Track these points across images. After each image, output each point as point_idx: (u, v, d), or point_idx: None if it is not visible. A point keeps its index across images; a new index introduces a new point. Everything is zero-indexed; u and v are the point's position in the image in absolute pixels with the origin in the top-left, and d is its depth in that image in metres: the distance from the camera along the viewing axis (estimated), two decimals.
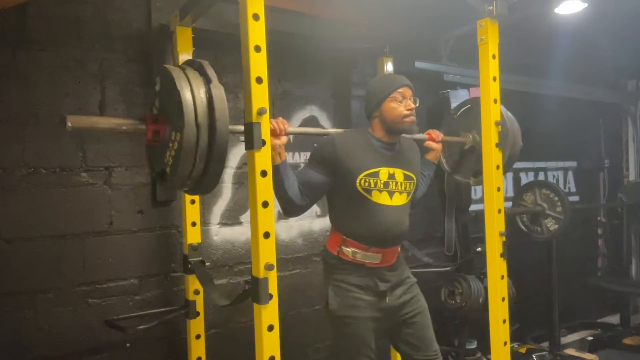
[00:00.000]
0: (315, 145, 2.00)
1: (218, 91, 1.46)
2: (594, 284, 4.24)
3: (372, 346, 1.94)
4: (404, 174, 2.00)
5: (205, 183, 1.52)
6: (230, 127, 1.52)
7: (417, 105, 2.00)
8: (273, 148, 1.68)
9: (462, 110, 2.58)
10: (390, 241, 1.97)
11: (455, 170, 2.61)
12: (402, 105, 1.96)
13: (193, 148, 1.42)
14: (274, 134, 1.73)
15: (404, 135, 2.08)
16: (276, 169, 1.73)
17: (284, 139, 1.79)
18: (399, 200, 1.98)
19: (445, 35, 3.23)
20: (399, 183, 1.98)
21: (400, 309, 2.00)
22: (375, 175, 1.93)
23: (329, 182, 1.92)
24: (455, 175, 2.60)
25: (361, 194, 1.91)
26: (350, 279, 1.93)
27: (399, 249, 2.09)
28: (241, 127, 1.60)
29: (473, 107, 2.49)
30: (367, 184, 1.91)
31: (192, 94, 1.43)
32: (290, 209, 1.89)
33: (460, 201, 3.21)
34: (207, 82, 1.47)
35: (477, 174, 2.40)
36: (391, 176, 1.96)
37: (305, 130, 1.99)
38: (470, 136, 2.45)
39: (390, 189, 1.96)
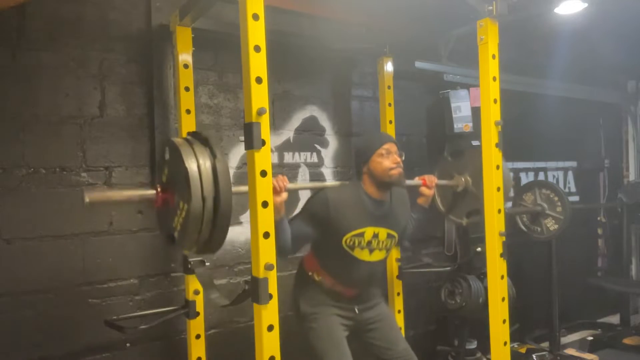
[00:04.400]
0: (310, 200, 2.11)
1: (222, 165, 1.56)
2: (594, 284, 4.24)
3: (341, 336, 2.09)
4: (387, 233, 2.15)
5: (210, 246, 1.61)
6: (234, 189, 1.63)
7: (403, 159, 2.11)
8: (274, 205, 1.72)
9: (456, 154, 2.75)
10: (362, 285, 2.16)
11: (449, 210, 2.74)
12: (389, 159, 2.07)
13: (199, 217, 1.52)
14: (275, 192, 1.79)
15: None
16: (275, 225, 1.75)
17: (284, 195, 1.89)
18: (378, 256, 2.15)
19: (445, 35, 3.23)
20: (380, 241, 2.13)
21: (364, 318, 2.18)
22: (361, 235, 2.07)
23: (317, 234, 2.06)
24: (449, 215, 2.74)
25: (345, 250, 2.06)
26: (320, 293, 2.12)
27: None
28: (243, 188, 1.70)
29: (466, 152, 2.68)
30: (352, 242, 2.06)
31: (199, 168, 1.53)
32: (279, 256, 1.94)
33: None
34: (213, 156, 1.57)
35: (470, 215, 2.55)
36: (375, 235, 2.10)
37: (304, 185, 2.21)
38: (463, 179, 2.59)
39: (372, 247, 2.11)
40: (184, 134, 2.22)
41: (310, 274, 2.14)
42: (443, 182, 2.56)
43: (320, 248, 2.13)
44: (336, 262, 2.10)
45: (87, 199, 1.51)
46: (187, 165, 1.51)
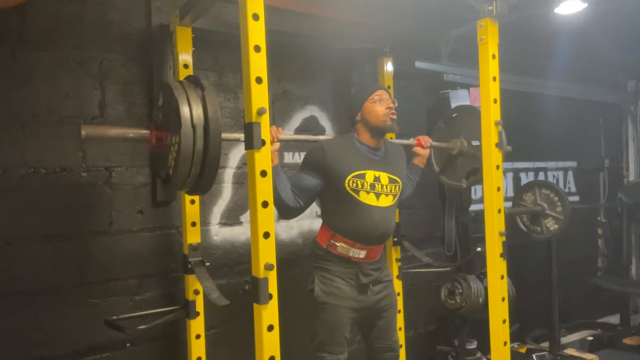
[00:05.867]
0: (306, 152, 2.14)
1: (211, 96, 1.63)
2: (594, 284, 4.24)
3: (347, 335, 2.12)
4: (389, 177, 2.15)
5: (202, 183, 1.67)
6: (224, 135, 1.71)
7: (396, 105, 2.16)
8: None
9: (448, 119, 2.74)
10: (375, 239, 2.13)
11: (445, 174, 2.74)
12: (381, 106, 2.13)
13: (191, 148, 1.58)
14: None
15: (393, 140, 2.25)
16: None
17: (276, 145, 1.95)
18: (385, 202, 2.14)
19: (445, 35, 3.24)
20: (384, 185, 2.13)
21: (376, 304, 2.18)
22: (362, 177, 2.07)
23: (320, 183, 2.08)
24: (443, 176, 2.74)
25: (350, 194, 2.06)
26: (335, 270, 2.11)
27: (384, 247, 2.26)
28: (233, 135, 1.81)
29: (459, 115, 2.68)
30: (355, 184, 2.06)
31: (189, 101, 1.61)
32: (284, 211, 2.04)
33: (460, 201, 3.22)
34: (202, 89, 1.65)
35: (469, 175, 2.54)
36: (376, 179, 2.11)
37: (297, 137, 2.27)
38: (458, 142, 2.60)
39: (377, 191, 2.11)
40: None
41: (324, 246, 2.12)
42: (438, 143, 2.60)
43: (327, 201, 2.15)
44: (345, 213, 2.08)
45: (83, 132, 1.61)
46: (176, 97, 1.60)
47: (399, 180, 2.20)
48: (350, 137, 2.18)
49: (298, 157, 2.85)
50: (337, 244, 2.10)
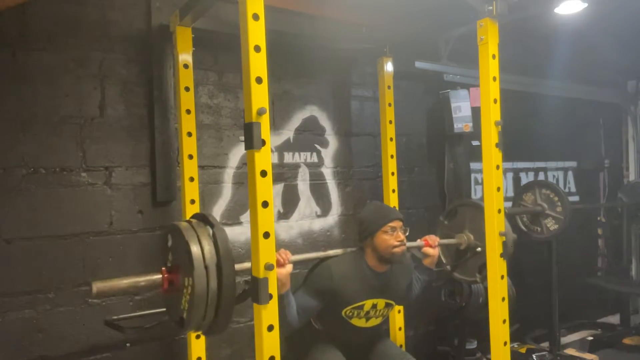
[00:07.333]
0: (314, 272, 2.15)
1: (221, 233, 1.60)
2: (594, 284, 4.24)
3: None
4: (386, 303, 2.22)
5: (218, 323, 1.61)
6: (237, 266, 1.67)
7: (407, 234, 2.16)
8: (279, 279, 1.75)
9: (449, 213, 2.74)
10: (359, 347, 2.25)
11: (457, 271, 2.69)
12: (393, 237, 2.11)
13: (205, 289, 1.54)
14: (278, 264, 1.82)
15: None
16: (280, 299, 1.77)
17: (289, 267, 1.90)
18: (373, 322, 2.22)
19: (445, 35, 3.23)
20: (378, 310, 2.20)
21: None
22: (360, 307, 2.14)
23: (321, 306, 2.10)
24: (458, 274, 2.69)
25: (343, 318, 2.14)
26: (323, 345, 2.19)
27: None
28: (246, 265, 1.72)
29: (458, 209, 2.68)
30: (351, 313, 2.14)
31: (199, 241, 1.58)
32: (286, 329, 2.03)
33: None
34: (211, 226, 1.62)
35: (482, 269, 2.46)
36: (374, 306, 2.18)
37: (307, 257, 2.20)
38: (464, 237, 2.59)
39: (369, 316, 2.19)
40: (184, 134, 2.22)
41: (313, 323, 2.21)
42: (446, 241, 2.57)
43: (320, 313, 2.16)
44: (333, 326, 2.18)
45: (94, 290, 1.55)
46: (187, 240, 1.56)
47: (393, 304, 2.26)
48: (359, 259, 2.17)
49: (298, 157, 2.85)
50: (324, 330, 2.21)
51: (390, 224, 2.12)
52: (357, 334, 2.21)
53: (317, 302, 2.08)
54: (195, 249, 1.55)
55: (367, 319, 2.18)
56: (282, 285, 1.84)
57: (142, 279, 1.66)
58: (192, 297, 1.54)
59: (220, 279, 1.55)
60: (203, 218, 1.67)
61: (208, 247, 1.57)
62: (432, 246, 2.37)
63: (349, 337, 2.22)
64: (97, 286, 1.56)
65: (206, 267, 1.54)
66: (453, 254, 2.68)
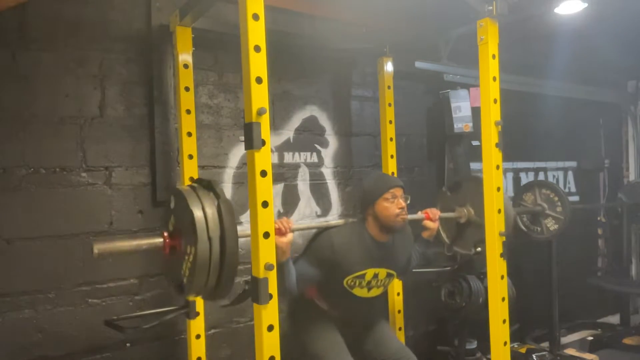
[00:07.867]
0: (315, 241, 2.12)
1: (226, 206, 1.57)
2: (594, 284, 4.23)
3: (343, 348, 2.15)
4: (387, 272, 2.20)
5: (219, 291, 1.61)
6: (239, 231, 1.63)
7: (409, 202, 2.15)
8: (279, 247, 1.76)
9: (452, 186, 2.74)
10: (360, 319, 2.25)
11: (455, 242, 2.71)
12: (394, 204, 2.10)
13: (207, 260, 1.53)
14: (279, 232, 1.81)
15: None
16: (280, 267, 1.77)
17: (289, 236, 1.88)
18: (375, 292, 2.21)
19: (445, 35, 3.23)
20: (380, 280, 2.19)
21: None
22: (362, 277, 2.13)
23: (321, 275, 2.09)
24: (455, 247, 2.71)
25: (345, 288, 2.12)
26: (324, 323, 2.19)
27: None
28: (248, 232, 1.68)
29: (463, 183, 2.67)
30: (352, 283, 2.12)
31: (204, 211, 1.55)
32: (283, 296, 2.01)
33: None
34: (217, 197, 1.59)
35: (478, 244, 2.50)
36: (375, 276, 2.16)
37: (308, 225, 2.22)
38: (465, 210, 2.59)
39: (371, 285, 2.17)
40: (184, 134, 2.22)
41: (312, 300, 2.20)
42: (446, 214, 2.57)
43: (321, 285, 2.15)
44: (335, 298, 2.17)
45: (95, 250, 1.53)
46: (191, 208, 1.54)
47: (394, 274, 2.26)
48: (360, 228, 2.17)
49: (298, 157, 2.85)
50: (324, 305, 2.21)
51: (391, 191, 2.11)
52: (359, 306, 2.19)
53: (317, 271, 2.07)
54: (198, 214, 1.52)
55: (369, 289, 2.17)
56: (282, 254, 1.83)
57: (144, 242, 1.66)
58: (194, 266, 1.52)
59: (223, 250, 1.53)
60: (208, 185, 1.64)
61: (213, 220, 1.54)
62: (432, 220, 2.37)
63: (351, 310, 2.20)
64: (98, 247, 1.54)
65: (210, 239, 1.52)
66: (453, 227, 2.69)
